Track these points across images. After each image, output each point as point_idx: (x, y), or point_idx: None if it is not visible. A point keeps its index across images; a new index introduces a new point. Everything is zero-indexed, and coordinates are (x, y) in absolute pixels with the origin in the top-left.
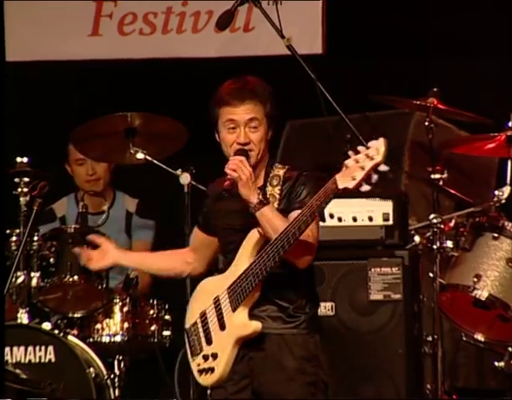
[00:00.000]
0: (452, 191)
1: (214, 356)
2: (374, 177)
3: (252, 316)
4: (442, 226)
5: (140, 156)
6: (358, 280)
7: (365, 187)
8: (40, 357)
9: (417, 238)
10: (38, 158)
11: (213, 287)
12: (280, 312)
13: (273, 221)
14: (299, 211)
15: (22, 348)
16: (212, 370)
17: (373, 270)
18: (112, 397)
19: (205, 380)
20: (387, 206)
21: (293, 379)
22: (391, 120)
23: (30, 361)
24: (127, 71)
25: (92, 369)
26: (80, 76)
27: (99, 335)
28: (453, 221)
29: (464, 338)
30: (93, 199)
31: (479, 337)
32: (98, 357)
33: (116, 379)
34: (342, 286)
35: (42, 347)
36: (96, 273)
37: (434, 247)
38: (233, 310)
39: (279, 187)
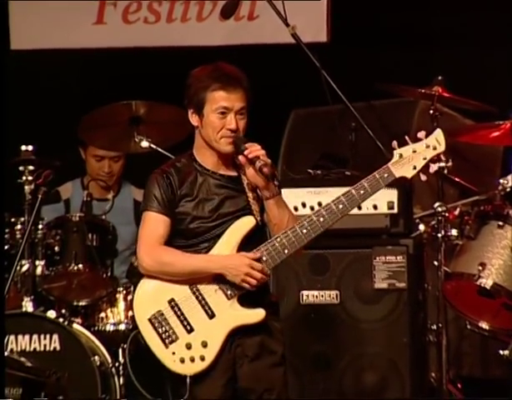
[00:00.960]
0: (457, 179)
1: (204, 344)
2: (434, 167)
3: (241, 304)
4: (447, 214)
5: (145, 144)
6: (362, 268)
7: (423, 177)
8: (45, 346)
9: (422, 227)
10: (43, 147)
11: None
12: (262, 301)
13: (285, 209)
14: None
15: (26, 337)
16: (202, 358)
17: (377, 258)
18: (117, 385)
19: (190, 368)
20: (392, 194)
21: (281, 364)
22: (396, 108)
23: (35, 349)
24: (131, 59)
25: (96, 357)
26: (84, 64)
27: (104, 323)
28: (457, 209)
29: (469, 327)
30: (99, 186)
31: (484, 325)
32: (103, 346)
33: (120, 367)
34: (347, 274)
35: (47, 336)
36: (100, 262)
37: (439, 235)
38: (228, 298)
39: None
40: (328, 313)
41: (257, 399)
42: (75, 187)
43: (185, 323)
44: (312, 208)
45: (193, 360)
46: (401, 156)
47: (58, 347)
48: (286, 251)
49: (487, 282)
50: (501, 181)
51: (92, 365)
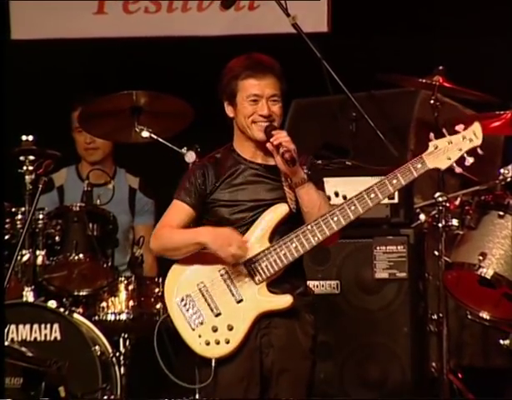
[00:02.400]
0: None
1: (230, 327)
2: (470, 160)
3: (269, 291)
4: (447, 204)
5: (145, 134)
6: (363, 258)
7: (459, 169)
8: (45, 335)
9: (422, 217)
10: (43, 137)
11: (215, 260)
12: (292, 290)
13: (317, 197)
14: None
15: (27, 326)
16: (227, 341)
17: (378, 248)
18: (118, 375)
19: (215, 351)
20: None
21: (307, 357)
22: (397, 98)
23: (35, 339)
24: (132, 49)
25: (97, 347)
26: (85, 54)
27: (104, 313)
28: (458, 199)
29: (470, 317)
30: (99, 174)
31: (485, 315)
32: (104, 336)
33: (121, 357)
34: (347, 264)
35: (48, 325)
36: (101, 252)
37: (440, 225)
38: (257, 283)
39: None
40: (328, 303)
41: (280, 391)
42: (70, 174)
43: (212, 306)
44: None
45: (218, 343)
46: (436, 147)
47: (59, 337)
48: (316, 238)
49: (488, 271)
50: (502, 171)
51: (92, 355)
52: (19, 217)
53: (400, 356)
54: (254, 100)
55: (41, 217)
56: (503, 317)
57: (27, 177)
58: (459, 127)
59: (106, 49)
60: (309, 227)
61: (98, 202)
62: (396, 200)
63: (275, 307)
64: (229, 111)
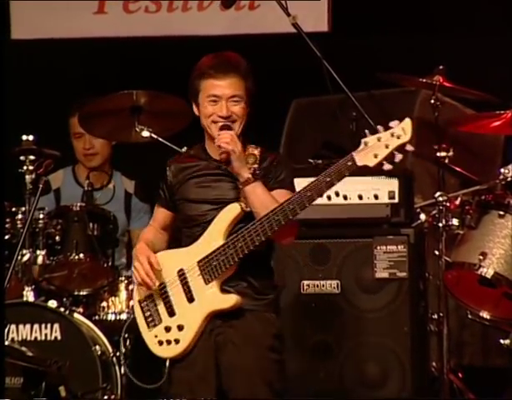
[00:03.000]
0: (458, 169)
1: (180, 327)
2: (399, 156)
3: (224, 290)
4: (448, 204)
5: (145, 134)
6: (363, 258)
7: (388, 166)
8: (46, 335)
9: (423, 216)
10: (44, 136)
11: (175, 261)
12: (249, 289)
13: (263, 197)
14: (281, 190)
15: (27, 326)
16: (176, 341)
17: (378, 248)
18: (118, 374)
19: (167, 351)
20: (393, 184)
21: (265, 356)
22: (397, 98)
23: (36, 338)
24: (132, 49)
25: (97, 347)
26: (85, 54)
27: (105, 313)
28: (458, 199)
29: (470, 316)
30: (98, 175)
31: (485, 314)
32: (104, 335)
33: (122, 357)
34: (347, 264)
35: (48, 325)
36: (101, 251)
37: (440, 225)
38: (206, 282)
39: (255, 166)
40: (329, 303)
41: (237, 390)
42: (66, 176)
43: (168, 306)
44: None
45: (169, 343)
46: (366, 144)
47: (59, 337)
48: (258, 238)
49: (488, 271)
50: (502, 170)
51: (93, 354)
52: (19, 216)
53: (400, 355)
54: (214, 100)
55: (41, 216)
56: (503, 316)
57: (27, 176)
58: (393, 124)
59: (106, 49)
60: (253, 226)
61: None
62: (396, 200)
63: (220, 306)
64: (195, 109)
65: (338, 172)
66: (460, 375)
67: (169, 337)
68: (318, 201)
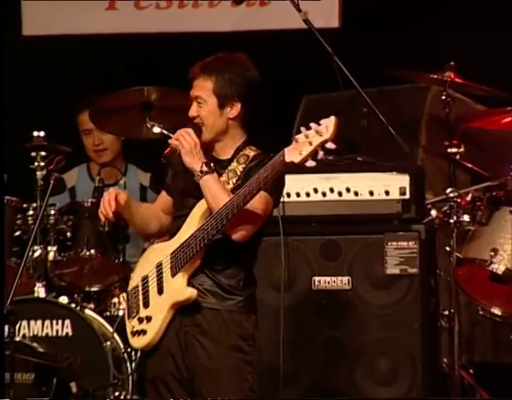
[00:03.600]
0: (469, 165)
1: (148, 319)
2: (320, 153)
3: (192, 287)
4: (459, 200)
5: (156, 130)
6: (374, 254)
7: (311, 163)
8: (57, 331)
9: (433, 212)
10: (55, 133)
11: (159, 253)
12: (217, 288)
13: (214, 190)
14: None
15: (39, 322)
16: (144, 332)
17: (389, 244)
18: (129, 370)
19: (136, 342)
20: (404, 180)
21: (228, 356)
22: (408, 94)
23: (47, 334)
24: (143, 45)
25: (108, 343)
26: (96, 50)
27: (116, 309)
28: (469, 195)
29: (481, 312)
30: (107, 170)
31: (496, 311)
32: (115, 331)
33: (132, 353)
34: (358, 260)
35: (59, 321)
36: (112, 247)
37: (451, 221)
38: (172, 275)
39: (243, 166)
40: (339, 299)
41: (203, 389)
42: (81, 173)
43: (145, 298)
44: (324, 194)
45: (139, 334)
46: (296, 141)
47: (70, 333)
48: (212, 232)
49: (499, 267)
50: None
51: (104, 350)
52: (31, 212)
53: (411, 352)
54: (190, 101)
55: (52, 212)
56: None
57: (38, 172)
58: (322, 122)
59: (117, 45)
60: (209, 219)
61: None
62: (407, 196)
63: (177, 298)
64: None
65: (272, 167)
66: (471, 371)
67: (140, 328)
68: (329, 197)
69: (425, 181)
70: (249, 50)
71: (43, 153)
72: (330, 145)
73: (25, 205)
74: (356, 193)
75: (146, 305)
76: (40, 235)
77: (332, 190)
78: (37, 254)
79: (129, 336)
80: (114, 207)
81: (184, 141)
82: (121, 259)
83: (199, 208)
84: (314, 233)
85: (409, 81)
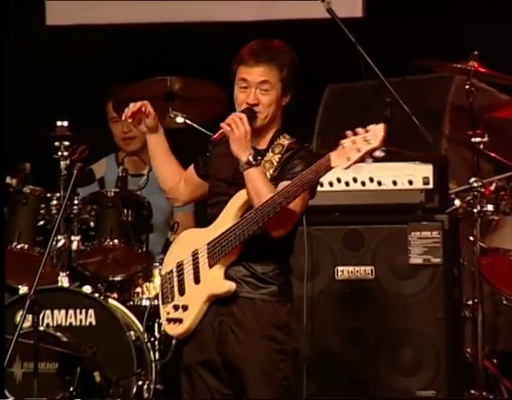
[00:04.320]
0: (492, 154)
1: (185, 307)
2: (369, 160)
3: (227, 276)
4: (482, 189)
5: (180, 120)
6: (397, 244)
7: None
8: (81, 321)
9: (457, 202)
10: (78, 122)
11: (195, 240)
12: (251, 277)
13: (257, 184)
14: (288, 182)
15: (62, 312)
16: (180, 321)
17: (413, 234)
18: (153, 360)
19: (172, 329)
20: (427, 170)
21: (261, 345)
22: (431, 84)
23: (71, 324)
24: (166, 34)
25: (132, 332)
26: (119, 40)
27: (139, 298)
28: (493, 184)
29: (505, 302)
30: (133, 161)
31: None
32: (138, 321)
33: (156, 342)
34: (382, 250)
35: (83, 311)
36: (135, 237)
37: (475, 210)
38: (210, 266)
39: (279, 156)
40: (363, 289)
41: (239, 377)
42: (109, 164)
43: (180, 285)
44: (347, 184)
45: (175, 322)
46: (343, 146)
47: (94, 322)
48: (252, 226)
49: None
50: None
51: (127, 340)
52: (54, 202)
53: (435, 342)
54: (245, 87)
55: (76, 202)
56: None
57: (61, 162)
58: (369, 128)
59: (140, 35)
60: (249, 215)
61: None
62: (431, 185)
63: (215, 291)
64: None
65: (317, 171)
66: (495, 361)
67: (176, 316)
68: (353, 187)
69: (449, 170)
70: (285, 43)
71: (67, 143)
72: (379, 153)
73: (49, 195)
74: (379, 183)
75: (181, 292)
76: (64, 225)
77: (355, 180)
78: (60, 244)
79: (164, 322)
80: (136, 111)
81: (236, 127)
82: (144, 249)
83: (238, 199)
84: (338, 223)
85: (432, 70)
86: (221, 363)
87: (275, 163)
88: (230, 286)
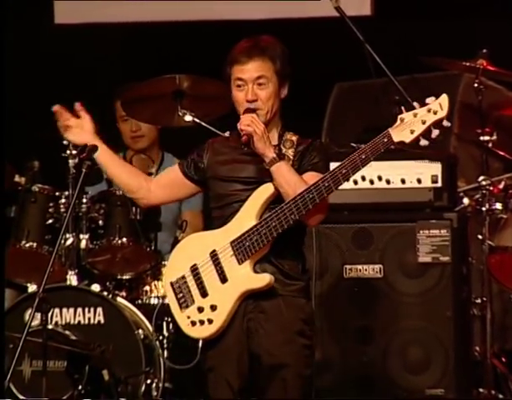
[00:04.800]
0: (501, 153)
1: (213, 307)
2: (436, 132)
3: (255, 272)
4: (491, 188)
5: (188, 118)
6: (406, 242)
7: (424, 142)
8: (89, 319)
9: (466, 200)
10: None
11: (207, 242)
12: (279, 274)
13: (290, 176)
14: (313, 172)
15: (71, 310)
16: (210, 321)
17: (421, 232)
18: (161, 358)
19: (199, 332)
20: (436, 168)
21: (293, 341)
22: (440, 82)
23: (79, 322)
24: (174, 33)
25: (140, 331)
26: (128, 38)
27: (148, 297)
28: (502, 183)
29: None
30: (141, 160)
31: None
32: (147, 319)
33: (164, 341)
34: (390, 248)
35: (92, 309)
36: (144, 236)
37: (483, 209)
38: (240, 262)
39: (293, 150)
40: (371, 287)
41: (268, 374)
42: None
43: (200, 287)
44: (355, 182)
45: (202, 323)
46: (402, 120)
47: (102, 321)
48: (293, 216)
49: None
50: None
51: (136, 338)
52: (63, 201)
53: (443, 340)
54: (240, 85)
55: (84, 201)
56: None
57: (70, 161)
58: (430, 100)
59: (149, 33)
60: (287, 205)
61: None
62: (439, 184)
63: (253, 286)
64: (232, 96)
65: (373, 148)
66: (504, 359)
67: (202, 318)
68: (361, 185)
69: (457, 169)
70: (281, 38)
71: None
72: (446, 123)
73: (57, 193)
74: (388, 181)
75: (204, 294)
76: (72, 223)
77: (364, 178)
78: (69, 242)
79: (186, 327)
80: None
81: (255, 126)
82: (152, 247)
83: (260, 194)
84: (346, 221)
85: (441, 68)
86: (248, 362)
87: (291, 157)
88: (270, 278)
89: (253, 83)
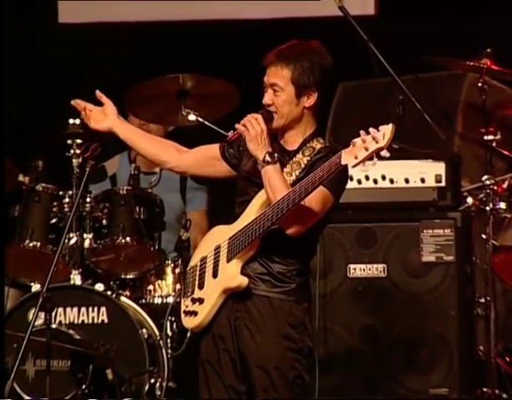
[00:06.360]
0: (505, 152)
1: (201, 301)
2: (375, 160)
3: (243, 273)
4: (495, 187)
5: (192, 118)
6: (410, 242)
7: (367, 163)
8: (93, 318)
9: (470, 200)
10: None
11: (220, 235)
12: (268, 276)
13: (273, 182)
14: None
15: (75, 309)
16: (195, 314)
17: (425, 232)
18: (165, 357)
19: (187, 322)
20: (439, 167)
21: (277, 343)
22: (444, 81)
23: (83, 322)
24: (179, 32)
25: (144, 330)
26: (132, 38)
27: (151, 296)
28: (506, 182)
29: None
30: (146, 160)
31: None
32: (151, 319)
33: (168, 340)
34: (394, 248)
35: (95, 308)
36: (148, 235)
37: (487, 208)
38: (227, 261)
39: (308, 158)
40: (375, 287)
41: (255, 373)
42: (122, 161)
43: (201, 279)
44: (359, 182)
45: (191, 314)
46: (353, 145)
47: (106, 320)
48: (269, 222)
49: None
50: None
51: (139, 338)
52: (66, 200)
53: (447, 339)
54: (264, 87)
55: (88, 200)
56: None
57: (74, 160)
58: (381, 128)
59: (153, 33)
60: (265, 212)
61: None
62: (443, 183)
63: (228, 285)
64: None
65: (328, 168)
66: (508, 359)
67: (192, 309)
68: (365, 184)
69: (461, 168)
70: (285, 37)
71: (79, 141)
72: (385, 153)
73: (61, 192)
74: (392, 181)
75: (201, 286)
76: (76, 222)
77: (367, 177)
78: (73, 241)
79: (182, 314)
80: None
81: (251, 127)
82: (156, 247)
83: (260, 197)
84: (350, 221)
85: (445, 68)
86: (237, 359)
87: (303, 165)
88: (242, 280)
89: (270, 88)
